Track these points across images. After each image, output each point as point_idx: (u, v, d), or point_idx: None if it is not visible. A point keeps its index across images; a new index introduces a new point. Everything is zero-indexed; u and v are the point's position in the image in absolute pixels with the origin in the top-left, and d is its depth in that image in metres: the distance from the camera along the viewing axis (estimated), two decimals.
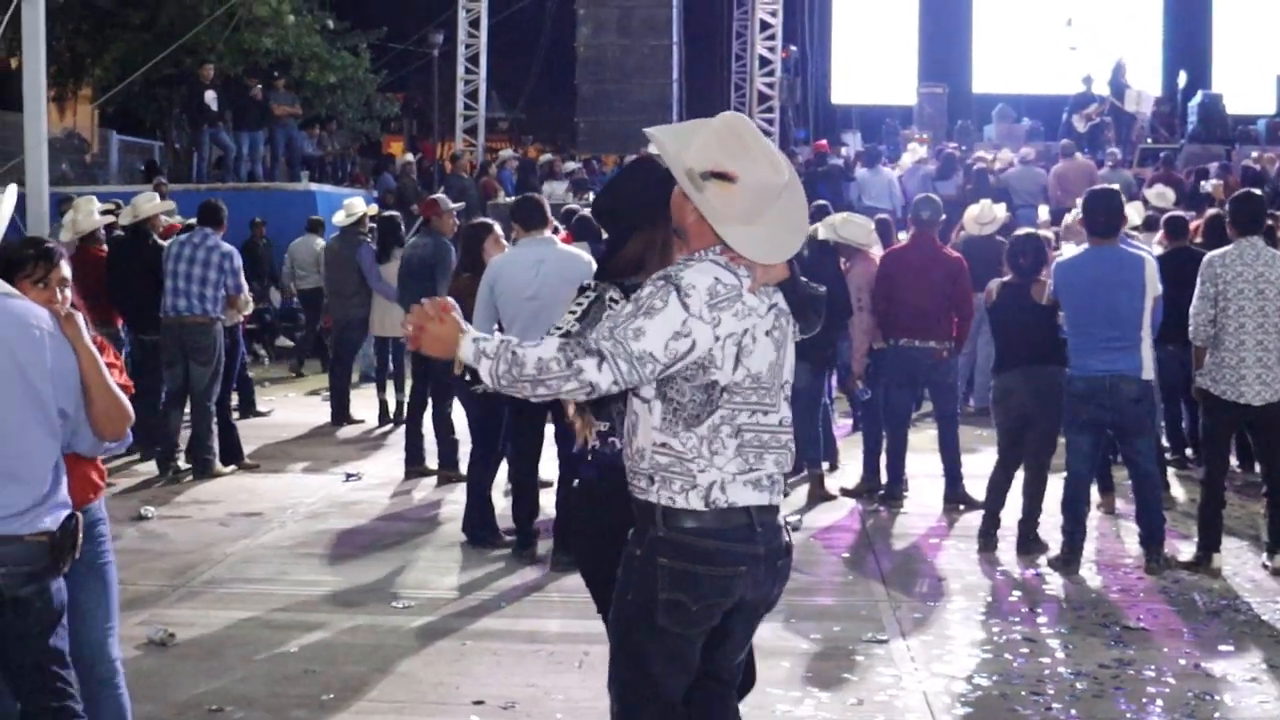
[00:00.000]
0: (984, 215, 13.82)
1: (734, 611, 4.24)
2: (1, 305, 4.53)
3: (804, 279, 4.41)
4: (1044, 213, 18.48)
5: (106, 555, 5.18)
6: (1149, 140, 26.31)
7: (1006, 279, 9.37)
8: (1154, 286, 8.57)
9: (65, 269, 4.92)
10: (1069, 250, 9.87)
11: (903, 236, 13.21)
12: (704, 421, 4.11)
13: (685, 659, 4.23)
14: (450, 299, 4.10)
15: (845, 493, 10.91)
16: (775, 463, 4.23)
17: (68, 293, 4.88)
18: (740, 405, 4.13)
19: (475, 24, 29.82)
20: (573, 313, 4.71)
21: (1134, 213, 10.76)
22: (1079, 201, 9.55)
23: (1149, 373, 8.56)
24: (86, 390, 4.63)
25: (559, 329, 4.66)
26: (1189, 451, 11.80)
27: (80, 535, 4.67)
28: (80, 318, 4.69)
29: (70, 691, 4.68)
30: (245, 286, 11.94)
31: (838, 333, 10.76)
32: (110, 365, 4.81)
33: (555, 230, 9.87)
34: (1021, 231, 10.18)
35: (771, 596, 4.33)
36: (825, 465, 11.17)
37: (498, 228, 9.79)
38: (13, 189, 4.96)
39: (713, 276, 4.11)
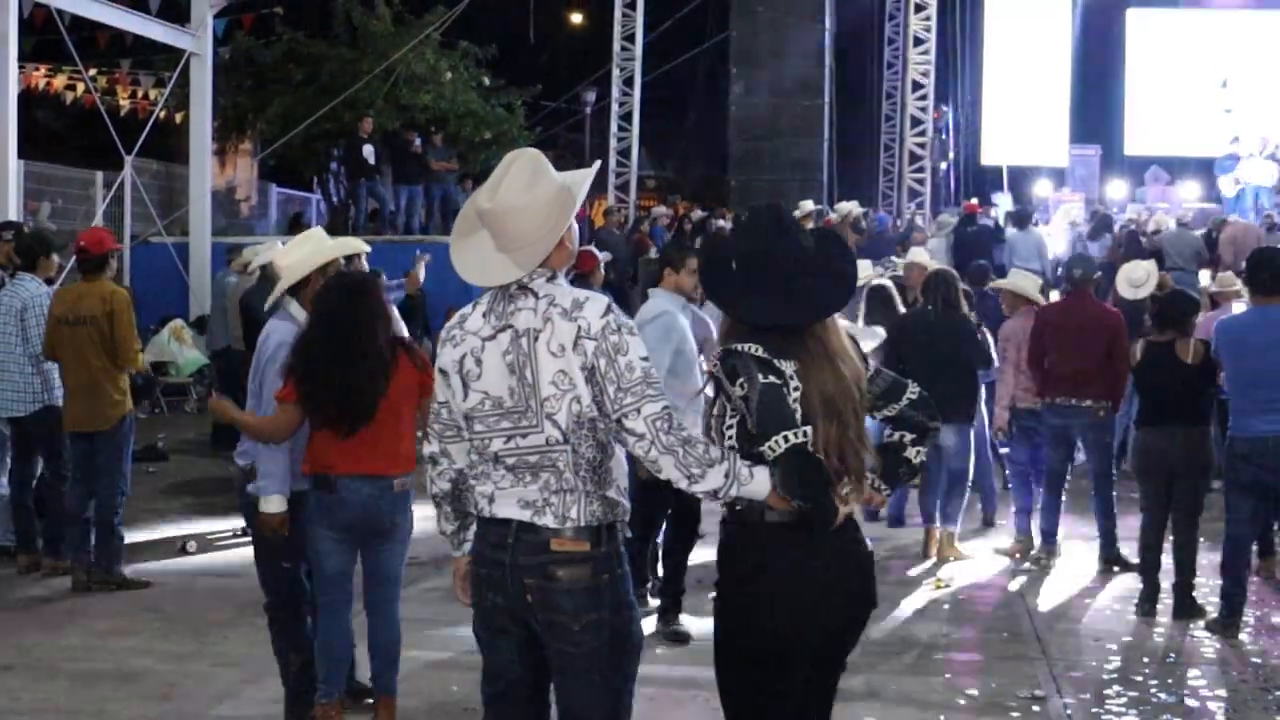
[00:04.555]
0: (1136, 276, 13.36)
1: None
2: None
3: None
4: (1205, 277, 18.12)
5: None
6: None
7: (1151, 337, 9.33)
8: None
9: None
10: (1238, 308, 9.77)
11: (1054, 296, 13.11)
12: (472, 448, 4.37)
13: (493, 651, 4.46)
14: None
15: (999, 552, 10.86)
16: (545, 485, 4.27)
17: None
18: (488, 432, 4.31)
19: (629, 82, 30.18)
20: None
21: None
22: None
23: None
24: None
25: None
26: None
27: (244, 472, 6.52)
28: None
29: (297, 602, 6.54)
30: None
31: (975, 386, 10.82)
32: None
33: None
34: (1168, 289, 10.10)
35: (539, 616, 4.31)
36: (981, 520, 11.15)
37: None
38: (318, 230, 7.01)
39: (460, 312, 4.43)
